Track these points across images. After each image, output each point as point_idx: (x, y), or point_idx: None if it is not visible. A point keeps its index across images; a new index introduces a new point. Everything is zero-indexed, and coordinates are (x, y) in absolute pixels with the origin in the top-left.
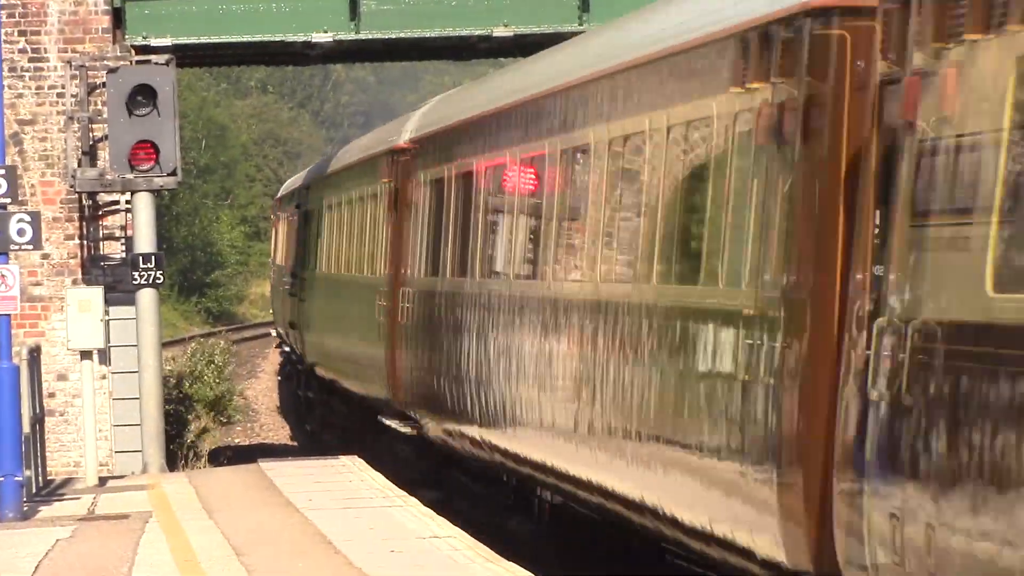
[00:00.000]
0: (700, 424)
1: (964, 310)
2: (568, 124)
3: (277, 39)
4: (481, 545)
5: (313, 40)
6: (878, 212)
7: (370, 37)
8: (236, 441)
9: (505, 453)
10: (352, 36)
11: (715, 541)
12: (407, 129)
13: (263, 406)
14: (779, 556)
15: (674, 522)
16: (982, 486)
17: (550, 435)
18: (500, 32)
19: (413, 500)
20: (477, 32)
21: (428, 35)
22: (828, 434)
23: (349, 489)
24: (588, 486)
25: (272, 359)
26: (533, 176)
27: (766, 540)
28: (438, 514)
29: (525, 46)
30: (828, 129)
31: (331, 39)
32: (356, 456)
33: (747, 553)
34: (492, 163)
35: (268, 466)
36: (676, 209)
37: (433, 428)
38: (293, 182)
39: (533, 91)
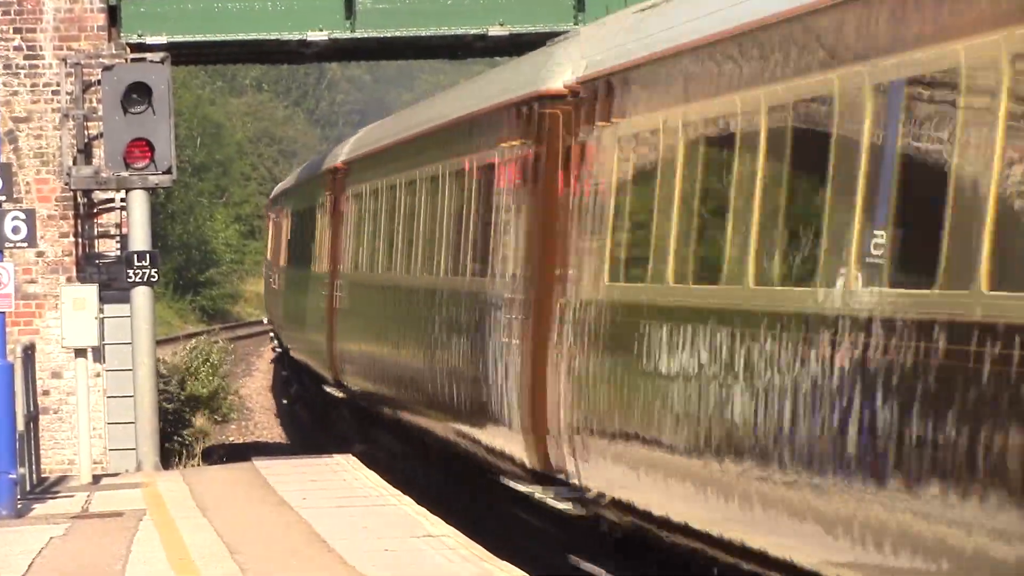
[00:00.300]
0: (474, 368)
1: (593, 293)
2: (417, 162)
3: (272, 37)
4: (475, 544)
5: (308, 38)
6: (572, 231)
7: (365, 36)
8: (230, 439)
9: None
10: (347, 35)
11: (492, 453)
12: (342, 152)
13: (257, 404)
14: (526, 460)
15: (475, 441)
16: (608, 404)
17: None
18: (496, 31)
19: (407, 499)
20: (473, 31)
21: (423, 34)
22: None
23: (343, 487)
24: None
25: (267, 357)
26: (412, 196)
27: (518, 450)
28: (432, 513)
29: (520, 45)
30: (545, 176)
31: (326, 37)
32: (350, 455)
33: (510, 459)
34: (387, 183)
35: (262, 464)
36: (469, 226)
37: (358, 393)
38: (282, 185)
39: (398, 136)
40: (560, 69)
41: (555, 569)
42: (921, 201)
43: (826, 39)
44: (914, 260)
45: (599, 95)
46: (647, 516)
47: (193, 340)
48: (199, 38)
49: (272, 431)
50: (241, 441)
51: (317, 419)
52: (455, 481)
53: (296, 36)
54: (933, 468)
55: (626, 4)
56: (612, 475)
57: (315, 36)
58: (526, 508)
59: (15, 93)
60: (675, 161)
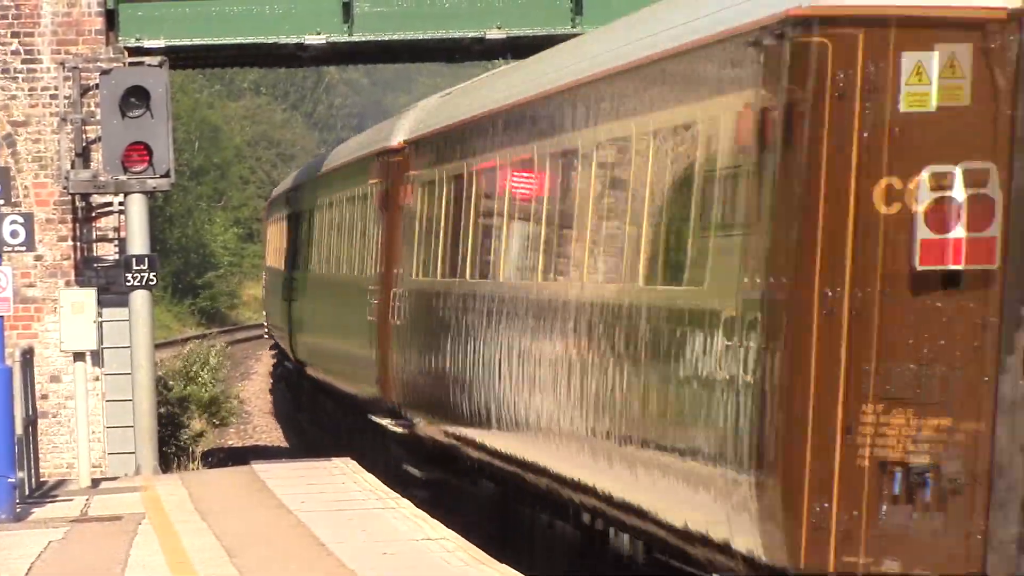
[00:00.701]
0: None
1: (408, 285)
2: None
3: (270, 41)
4: (473, 547)
5: (306, 42)
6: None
7: (363, 39)
8: (229, 443)
9: None
10: (345, 38)
11: (367, 397)
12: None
13: (256, 408)
14: (382, 400)
15: (357, 390)
16: (416, 362)
17: None
18: (493, 34)
19: (405, 502)
20: (470, 34)
21: (421, 37)
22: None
23: (342, 491)
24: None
25: (265, 360)
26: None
27: (376, 392)
28: (431, 516)
29: (518, 48)
30: (389, 203)
31: (324, 41)
32: (348, 458)
33: (377, 400)
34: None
35: (261, 468)
36: (357, 238)
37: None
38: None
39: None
40: (399, 132)
41: (399, 471)
42: (607, 226)
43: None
44: (609, 265)
45: (411, 152)
46: (444, 434)
47: (190, 344)
48: (197, 42)
49: (271, 434)
50: (240, 445)
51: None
52: (351, 420)
53: (294, 40)
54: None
55: (624, 8)
56: (421, 410)
57: (313, 40)
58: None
59: (13, 97)
60: (441, 198)
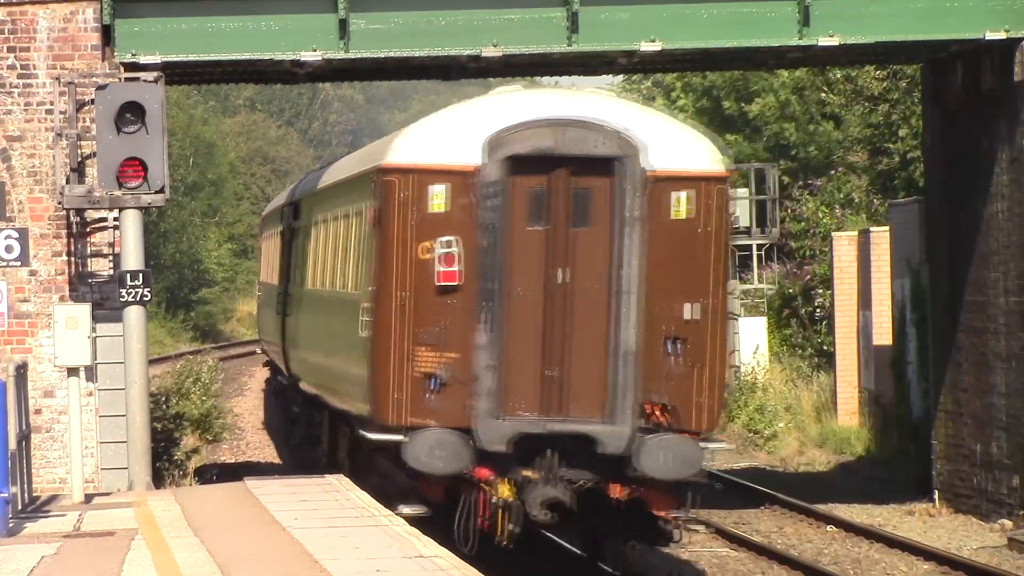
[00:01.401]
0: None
1: (294, 288)
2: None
3: (266, 57)
4: (467, 564)
5: (302, 59)
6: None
7: (359, 56)
8: (222, 459)
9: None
10: (341, 55)
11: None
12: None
13: (249, 424)
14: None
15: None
16: (291, 335)
17: None
18: (489, 52)
19: (399, 519)
20: (466, 52)
21: (417, 55)
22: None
23: (335, 507)
24: None
25: (259, 376)
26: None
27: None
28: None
29: (514, 66)
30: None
31: (320, 58)
32: (342, 475)
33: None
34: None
35: (254, 484)
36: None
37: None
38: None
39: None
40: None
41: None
42: (331, 259)
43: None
44: (329, 278)
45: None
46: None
47: (182, 360)
48: (193, 57)
49: (264, 450)
50: (233, 460)
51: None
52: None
53: (290, 56)
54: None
55: (617, 26)
56: (297, 367)
57: (309, 56)
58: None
59: (8, 112)
60: (306, 234)
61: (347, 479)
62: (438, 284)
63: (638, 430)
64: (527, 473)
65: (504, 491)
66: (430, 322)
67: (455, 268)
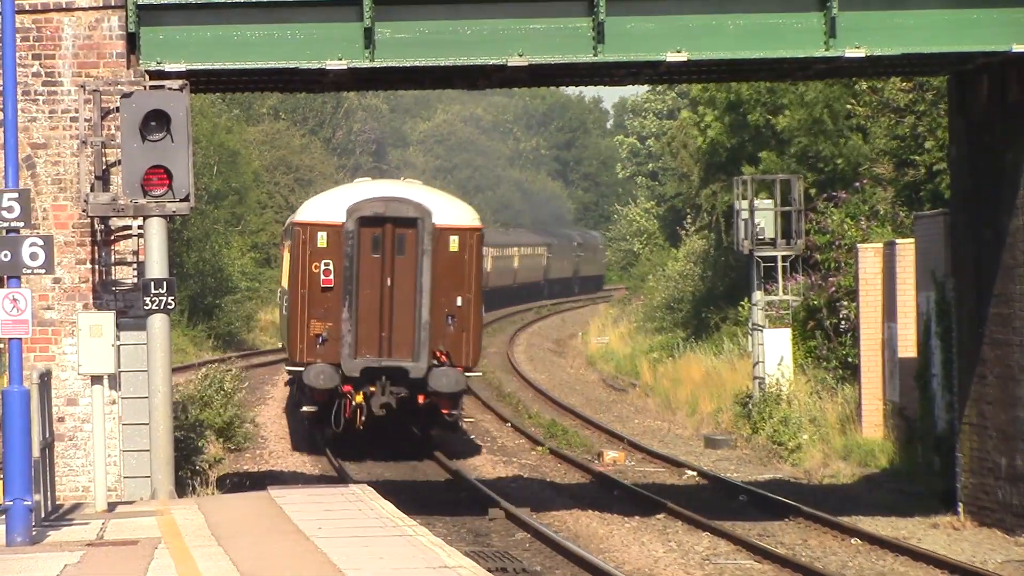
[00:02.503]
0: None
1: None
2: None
3: (291, 66)
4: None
5: (327, 67)
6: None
7: (384, 65)
8: (245, 468)
9: None
10: (366, 64)
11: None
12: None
13: (272, 433)
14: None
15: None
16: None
17: None
18: (515, 62)
19: (423, 529)
20: (492, 61)
21: (442, 64)
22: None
23: (359, 517)
24: None
25: (282, 386)
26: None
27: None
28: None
29: (539, 76)
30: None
31: (345, 67)
32: (366, 484)
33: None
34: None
35: (278, 493)
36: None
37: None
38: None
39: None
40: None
41: None
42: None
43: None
44: (281, 282)
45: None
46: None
47: (204, 368)
48: (218, 66)
49: (287, 460)
50: (256, 470)
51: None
52: None
53: (315, 65)
54: None
55: (642, 37)
56: (280, 338)
57: (334, 65)
58: None
59: (33, 119)
60: (282, 255)
61: (371, 489)
62: (322, 286)
63: (431, 365)
64: (371, 388)
65: (358, 398)
66: (318, 306)
67: (331, 277)
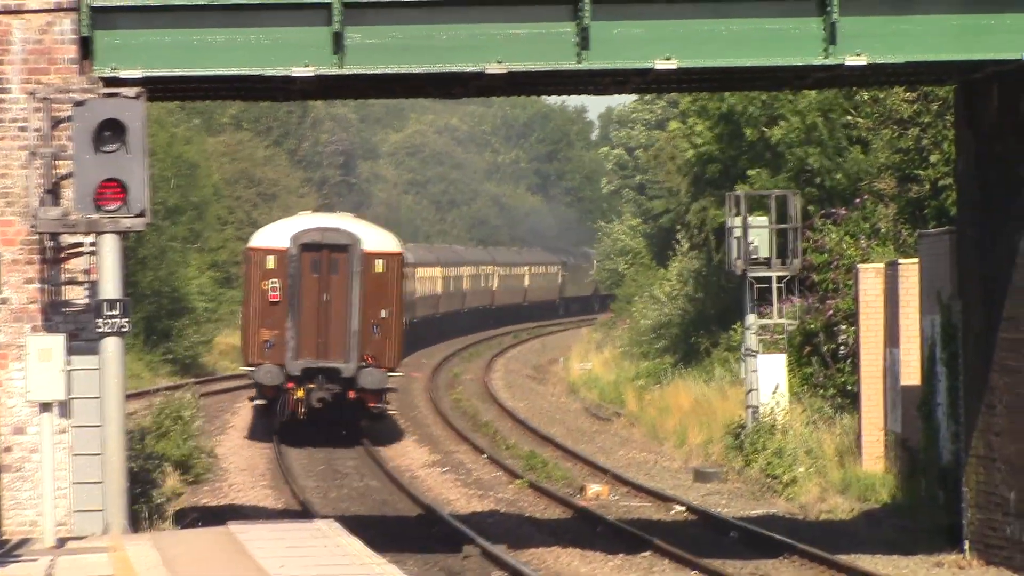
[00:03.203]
0: None
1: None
2: None
3: (255, 73)
4: None
5: (293, 74)
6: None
7: (354, 72)
8: (204, 501)
9: None
10: (335, 71)
11: None
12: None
13: (233, 464)
14: None
15: None
16: None
17: None
18: (493, 69)
19: (392, 568)
20: (468, 69)
21: (416, 71)
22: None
23: (325, 554)
24: None
25: (243, 414)
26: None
27: None
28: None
29: (520, 84)
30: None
31: (312, 74)
32: (332, 519)
33: None
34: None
35: (238, 528)
36: None
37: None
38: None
39: None
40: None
41: None
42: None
43: None
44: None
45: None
46: None
47: (160, 396)
48: (176, 72)
49: (248, 493)
50: (216, 503)
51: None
52: None
53: (280, 71)
54: None
55: (630, 42)
56: None
57: (300, 72)
58: None
59: None
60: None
61: (337, 524)
62: (270, 300)
63: (360, 366)
64: (310, 385)
65: (299, 393)
66: (267, 316)
67: (278, 293)
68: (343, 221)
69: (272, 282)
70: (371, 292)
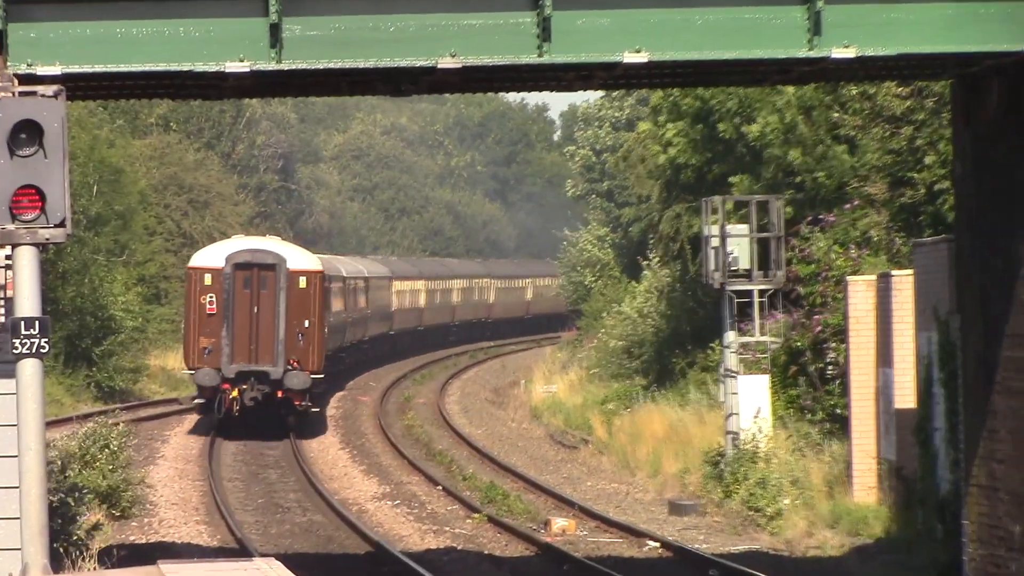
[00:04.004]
0: None
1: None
2: None
3: (185, 68)
4: None
5: (227, 70)
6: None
7: (293, 67)
8: (131, 538)
9: None
10: (272, 66)
11: None
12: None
13: (163, 498)
14: None
15: None
16: None
17: None
18: (446, 63)
19: None
20: (419, 63)
21: (362, 66)
22: None
23: None
24: None
25: (174, 443)
26: None
27: None
28: None
29: (475, 80)
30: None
31: (248, 69)
32: (273, 559)
33: None
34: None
35: (169, 568)
36: None
37: None
38: None
39: None
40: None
41: None
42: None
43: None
44: None
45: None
46: None
47: (88, 423)
48: (99, 68)
49: (181, 529)
50: (144, 540)
51: None
52: None
53: (212, 67)
54: None
55: (592, 33)
56: None
57: (234, 67)
58: None
59: None
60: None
61: (279, 563)
62: (208, 312)
63: (286, 369)
64: (244, 386)
65: (234, 393)
66: (205, 326)
67: (214, 306)
68: (271, 243)
69: (209, 296)
70: (295, 305)
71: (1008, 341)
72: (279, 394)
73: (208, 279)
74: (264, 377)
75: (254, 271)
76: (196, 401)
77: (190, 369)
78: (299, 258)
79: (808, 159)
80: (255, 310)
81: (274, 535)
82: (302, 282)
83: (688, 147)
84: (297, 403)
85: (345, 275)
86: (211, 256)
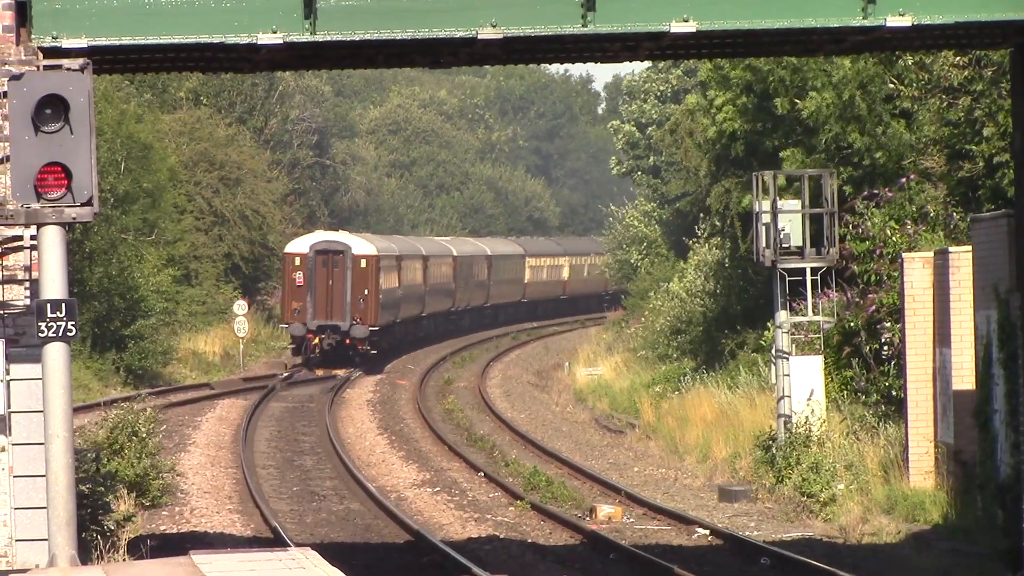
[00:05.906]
0: None
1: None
2: None
3: (216, 41)
4: None
5: (259, 42)
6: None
7: (327, 39)
8: (162, 528)
9: None
10: (306, 38)
11: None
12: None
13: (195, 486)
14: None
15: None
16: None
17: None
18: (486, 34)
19: None
20: (459, 34)
21: (399, 37)
22: None
23: None
24: None
25: (205, 429)
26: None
27: None
28: None
29: (517, 51)
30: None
31: (281, 41)
32: (309, 548)
33: None
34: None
35: (202, 559)
36: None
37: None
38: None
39: None
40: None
41: None
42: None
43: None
44: None
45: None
46: None
47: (115, 409)
48: (126, 41)
49: (213, 518)
50: (175, 530)
51: None
52: None
53: (244, 39)
54: None
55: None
56: None
57: (267, 39)
58: None
59: None
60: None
61: (315, 553)
62: (297, 284)
63: (352, 323)
64: (323, 336)
65: (315, 340)
66: (295, 294)
67: (302, 280)
68: (342, 236)
69: (299, 273)
70: (358, 280)
71: None
72: (347, 341)
73: (297, 261)
74: (336, 329)
75: (329, 255)
76: (292, 345)
77: (285, 323)
78: (362, 245)
79: (868, 138)
80: (330, 283)
81: (310, 524)
82: (363, 263)
83: (736, 115)
84: (360, 347)
85: (399, 254)
86: (299, 245)
